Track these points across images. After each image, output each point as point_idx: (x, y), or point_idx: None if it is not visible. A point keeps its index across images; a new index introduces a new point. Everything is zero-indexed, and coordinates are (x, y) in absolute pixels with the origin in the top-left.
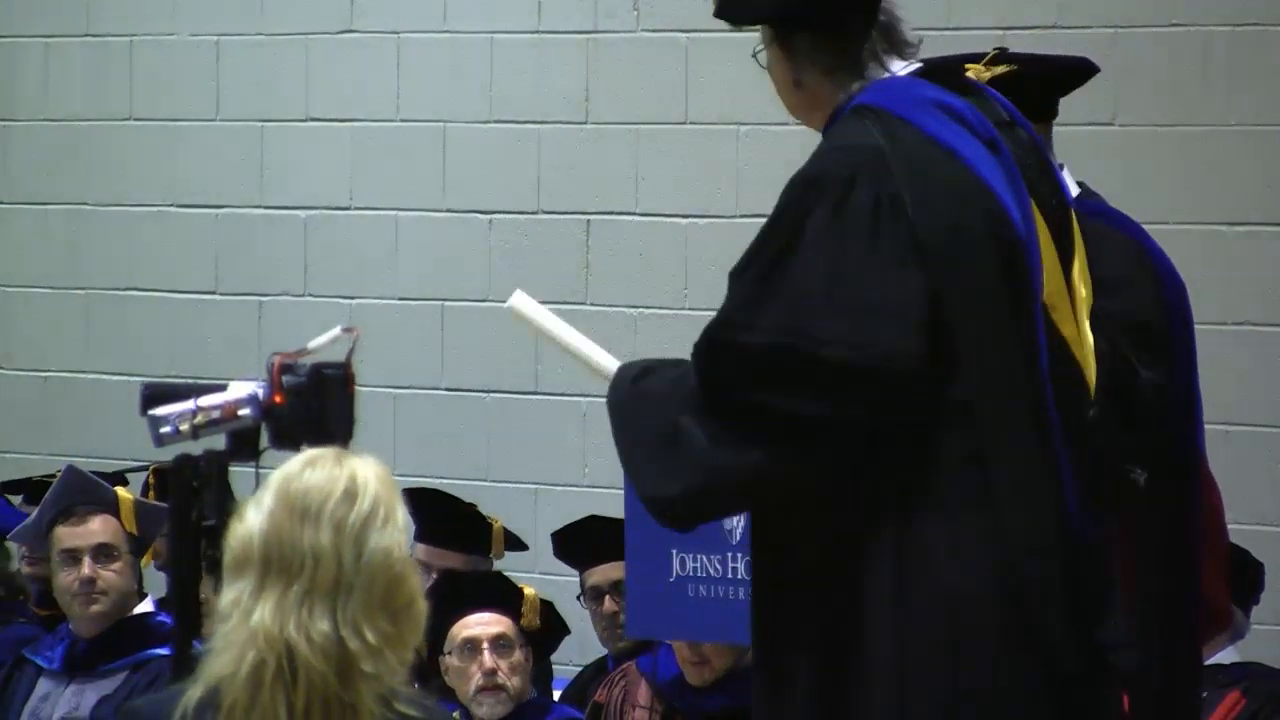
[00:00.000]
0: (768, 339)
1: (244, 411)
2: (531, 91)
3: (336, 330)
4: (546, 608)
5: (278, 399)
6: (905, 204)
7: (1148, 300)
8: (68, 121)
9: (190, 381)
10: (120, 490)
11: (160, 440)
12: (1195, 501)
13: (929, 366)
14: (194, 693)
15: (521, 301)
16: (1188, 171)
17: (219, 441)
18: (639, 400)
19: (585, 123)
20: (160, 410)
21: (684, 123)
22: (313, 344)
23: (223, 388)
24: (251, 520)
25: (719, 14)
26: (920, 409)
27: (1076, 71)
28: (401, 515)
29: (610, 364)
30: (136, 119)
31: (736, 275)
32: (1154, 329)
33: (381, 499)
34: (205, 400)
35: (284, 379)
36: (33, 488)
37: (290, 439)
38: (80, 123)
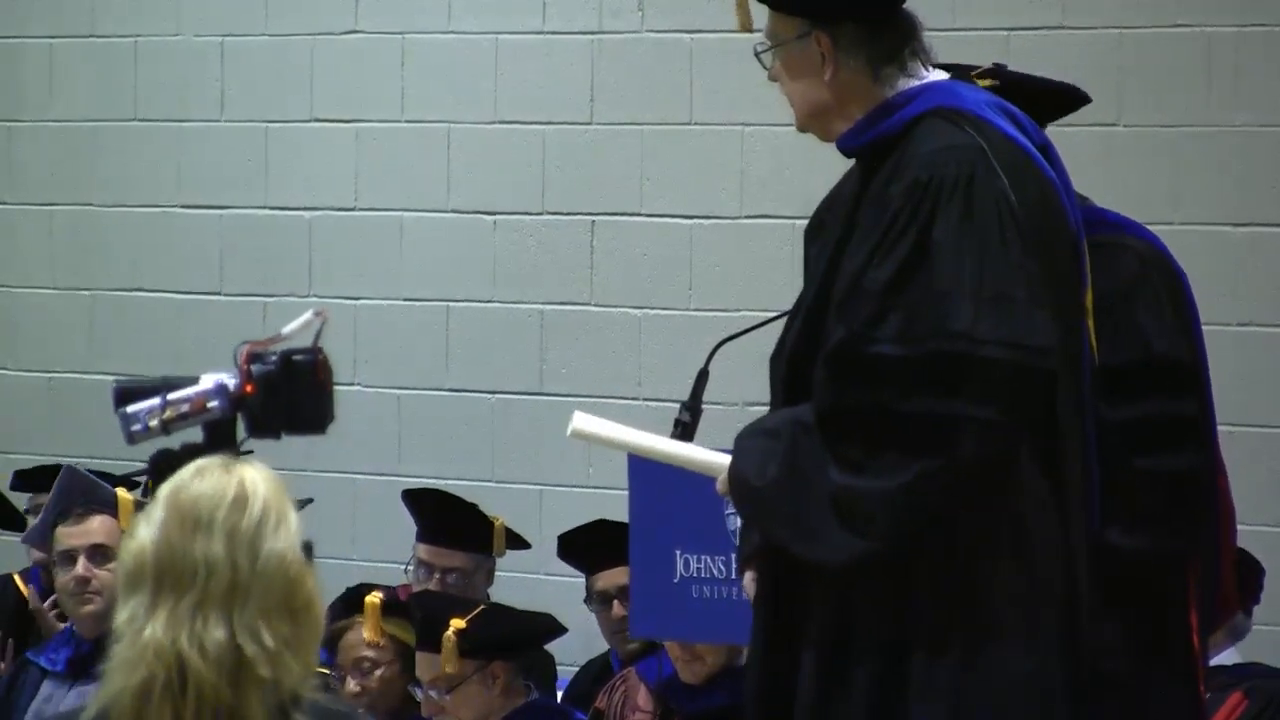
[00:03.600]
0: (920, 347)
1: (212, 404)
2: (536, 92)
3: (308, 315)
4: (481, 630)
5: (248, 389)
6: (1014, 201)
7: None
8: (72, 122)
9: (161, 377)
10: (120, 491)
11: (132, 438)
12: (1215, 498)
13: None
14: (90, 710)
15: (585, 422)
16: (1192, 172)
17: (199, 435)
18: (779, 490)
19: (590, 123)
20: (131, 408)
21: (689, 124)
22: (285, 330)
23: (194, 381)
24: (142, 534)
25: (768, 0)
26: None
27: (1064, 98)
28: (293, 519)
29: (713, 457)
30: (141, 120)
31: (855, 288)
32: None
33: (272, 504)
34: (174, 394)
35: (253, 368)
36: (40, 475)
37: (266, 428)
38: (85, 124)
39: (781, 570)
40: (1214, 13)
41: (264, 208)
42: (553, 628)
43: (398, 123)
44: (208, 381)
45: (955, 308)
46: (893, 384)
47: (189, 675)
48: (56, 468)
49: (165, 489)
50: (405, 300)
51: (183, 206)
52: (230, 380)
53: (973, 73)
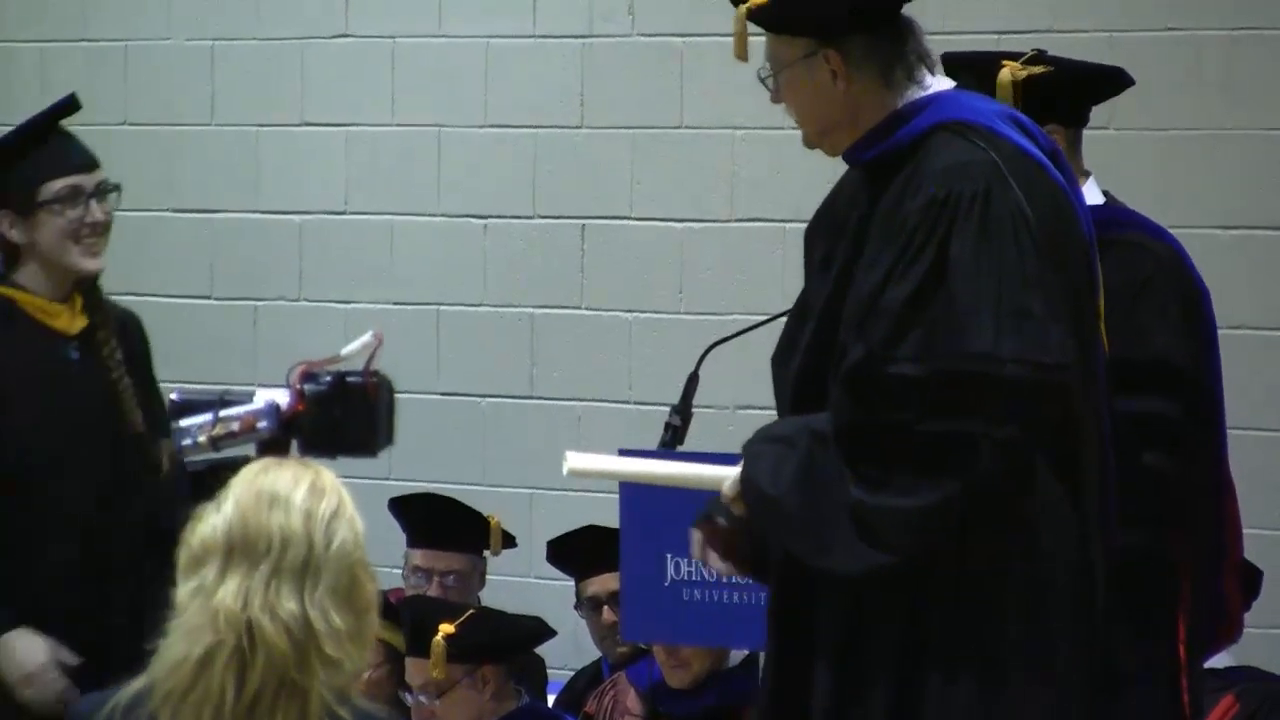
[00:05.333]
0: (940, 365)
1: (262, 424)
2: (527, 96)
3: (367, 336)
4: (470, 635)
5: (300, 408)
6: (1029, 214)
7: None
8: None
9: (219, 392)
10: None
11: (182, 452)
12: (1222, 514)
13: None
14: (134, 685)
15: (579, 460)
16: (1182, 175)
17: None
18: (794, 498)
19: (580, 127)
20: (184, 421)
21: (679, 127)
22: (345, 350)
23: (248, 398)
24: (213, 520)
25: (772, 26)
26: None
27: (1114, 79)
28: (360, 525)
29: (715, 471)
30: (131, 124)
31: (873, 307)
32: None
33: (345, 502)
34: (225, 411)
35: (306, 387)
36: None
37: (319, 447)
38: (75, 127)
39: (793, 582)
40: (1204, 16)
41: (254, 211)
42: (542, 631)
43: (388, 126)
44: (260, 400)
45: (975, 326)
46: (913, 403)
47: (258, 642)
48: None
49: (237, 480)
50: (396, 304)
51: (173, 210)
52: (282, 399)
53: (1021, 59)
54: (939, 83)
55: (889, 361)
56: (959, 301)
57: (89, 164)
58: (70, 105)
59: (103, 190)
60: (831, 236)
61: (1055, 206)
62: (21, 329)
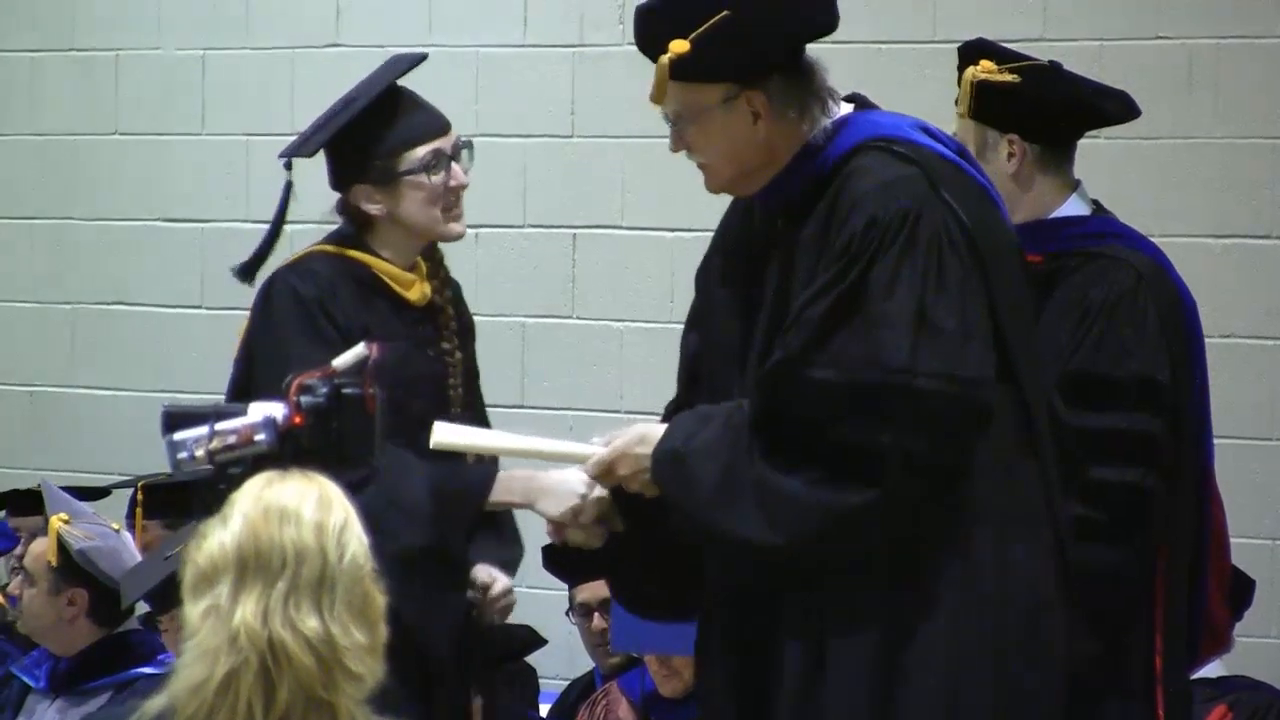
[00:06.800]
0: (855, 374)
1: (260, 437)
2: (517, 105)
3: (360, 348)
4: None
5: (297, 420)
6: (964, 224)
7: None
8: (54, 136)
9: (212, 405)
10: (54, 519)
11: (177, 466)
12: (1205, 523)
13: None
14: (154, 705)
15: (445, 434)
16: (1172, 184)
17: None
18: (703, 455)
19: (571, 136)
20: (178, 434)
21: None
22: (336, 362)
23: (242, 410)
24: (220, 536)
25: (694, 76)
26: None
27: (1101, 113)
28: (365, 536)
29: (579, 447)
30: (122, 133)
31: (796, 319)
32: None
33: (351, 514)
34: (221, 424)
35: (303, 399)
36: (16, 499)
37: (312, 460)
38: (66, 137)
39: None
40: (1195, 25)
41: (246, 221)
42: (534, 640)
43: None
44: (256, 413)
45: (892, 340)
46: (826, 406)
47: (283, 661)
48: (27, 491)
49: (241, 495)
50: None
51: (164, 220)
52: (279, 413)
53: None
54: (843, 108)
55: (805, 365)
56: (878, 316)
57: (445, 126)
58: (418, 62)
59: (458, 150)
60: (752, 271)
61: (981, 206)
62: (381, 300)
